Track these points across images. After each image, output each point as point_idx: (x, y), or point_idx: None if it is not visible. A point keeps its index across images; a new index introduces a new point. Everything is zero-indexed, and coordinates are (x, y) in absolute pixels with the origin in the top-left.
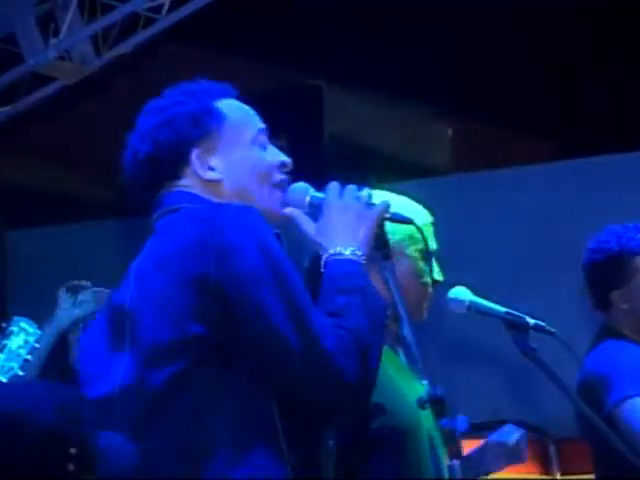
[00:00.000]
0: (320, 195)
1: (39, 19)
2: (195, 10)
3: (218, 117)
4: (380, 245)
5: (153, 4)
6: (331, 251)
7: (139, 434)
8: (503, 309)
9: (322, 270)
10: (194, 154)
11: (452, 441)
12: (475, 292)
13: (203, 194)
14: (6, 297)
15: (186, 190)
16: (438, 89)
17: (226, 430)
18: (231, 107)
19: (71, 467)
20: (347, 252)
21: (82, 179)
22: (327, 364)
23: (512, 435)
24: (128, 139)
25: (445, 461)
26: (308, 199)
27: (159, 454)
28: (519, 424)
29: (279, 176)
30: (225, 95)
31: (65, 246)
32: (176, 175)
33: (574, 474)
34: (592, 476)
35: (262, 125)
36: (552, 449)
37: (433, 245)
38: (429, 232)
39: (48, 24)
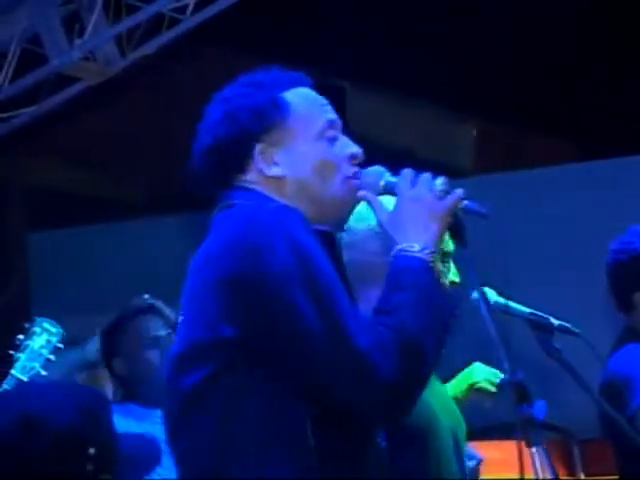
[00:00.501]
0: (395, 180)
1: (64, 19)
2: (219, 11)
3: (283, 110)
4: (455, 234)
5: (178, 5)
6: (399, 246)
7: (175, 432)
8: (527, 310)
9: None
10: (257, 149)
11: (531, 427)
12: (500, 293)
13: (266, 190)
14: (29, 298)
15: (247, 186)
16: (462, 90)
17: (255, 433)
18: (299, 98)
19: (90, 467)
20: (415, 248)
21: (105, 181)
22: (359, 361)
23: None
24: (198, 129)
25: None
26: (382, 183)
27: (191, 453)
28: (543, 425)
29: (351, 169)
30: (296, 84)
31: (87, 247)
32: (240, 169)
33: (598, 475)
34: (616, 477)
35: (332, 116)
36: (576, 450)
37: (450, 247)
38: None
39: (73, 25)
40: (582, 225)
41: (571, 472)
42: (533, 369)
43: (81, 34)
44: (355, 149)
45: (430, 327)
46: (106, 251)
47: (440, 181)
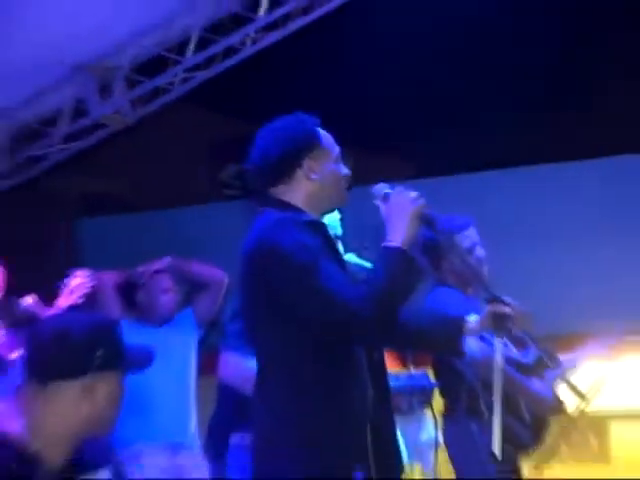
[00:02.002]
0: (389, 191)
1: (99, 86)
2: (198, 84)
3: (320, 138)
4: (429, 225)
5: (169, 80)
6: (388, 239)
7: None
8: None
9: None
10: (305, 162)
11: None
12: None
13: (303, 188)
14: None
15: (277, 196)
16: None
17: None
18: (324, 134)
19: (97, 362)
20: (392, 241)
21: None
22: (339, 304)
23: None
24: (257, 145)
25: None
26: (384, 193)
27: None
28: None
29: (345, 184)
30: (317, 124)
31: (131, 234)
32: (292, 175)
33: (423, 365)
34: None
35: (338, 148)
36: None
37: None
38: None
39: (106, 90)
40: None
41: (404, 364)
42: None
43: (110, 97)
44: (347, 171)
45: (394, 284)
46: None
47: (413, 193)
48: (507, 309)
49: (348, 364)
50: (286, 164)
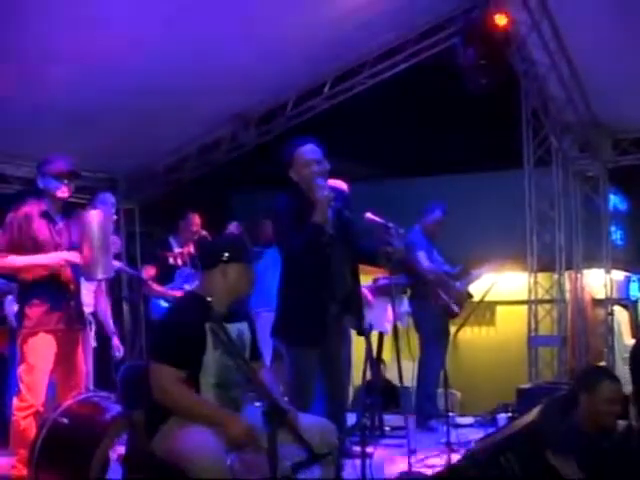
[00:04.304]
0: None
1: None
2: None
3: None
4: (348, 208)
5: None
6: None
7: None
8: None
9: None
10: (297, 161)
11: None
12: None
13: (297, 176)
14: None
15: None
16: None
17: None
18: (304, 149)
19: (226, 255)
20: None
21: None
22: (290, 246)
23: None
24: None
25: None
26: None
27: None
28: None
29: (318, 175)
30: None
31: None
32: (290, 167)
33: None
34: None
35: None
36: None
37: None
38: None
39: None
40: None
41: (391, 272)
42: None
43: None
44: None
45: (305, 242)
46: None
47: (328, 190)
48: (390, 249)
49: (314, 269)
50: (283, 163)
